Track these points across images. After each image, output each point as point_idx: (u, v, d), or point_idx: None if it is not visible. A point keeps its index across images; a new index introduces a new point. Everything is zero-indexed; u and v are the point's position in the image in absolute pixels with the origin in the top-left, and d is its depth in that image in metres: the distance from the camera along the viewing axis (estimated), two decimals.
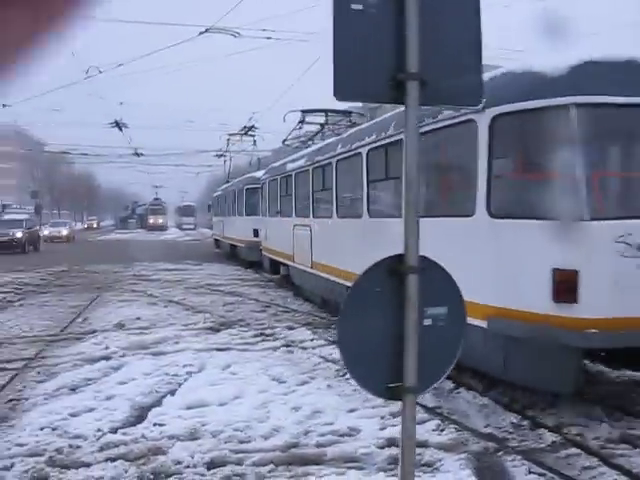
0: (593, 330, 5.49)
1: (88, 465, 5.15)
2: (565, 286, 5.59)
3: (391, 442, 5.68)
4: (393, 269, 3.08)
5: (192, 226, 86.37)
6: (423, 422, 6.20)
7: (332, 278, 11.49)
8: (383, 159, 9.29)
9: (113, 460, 5.21)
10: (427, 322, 3.15)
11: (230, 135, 32.72)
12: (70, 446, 5.56)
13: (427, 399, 6.99)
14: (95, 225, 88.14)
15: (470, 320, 5.27)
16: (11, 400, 7.06)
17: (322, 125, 17.59)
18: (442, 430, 6.00)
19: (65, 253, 30.95)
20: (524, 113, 6.02)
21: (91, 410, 6.56)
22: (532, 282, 5.85)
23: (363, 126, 11.46)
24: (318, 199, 12.98)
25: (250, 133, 30.99)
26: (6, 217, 37.25)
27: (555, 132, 5.88)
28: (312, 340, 9.90)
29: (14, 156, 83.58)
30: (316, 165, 13.02)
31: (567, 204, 5.66)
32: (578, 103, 5.62)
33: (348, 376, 7.85)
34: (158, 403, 6.82)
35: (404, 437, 3.22)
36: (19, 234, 32.58)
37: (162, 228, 79.96)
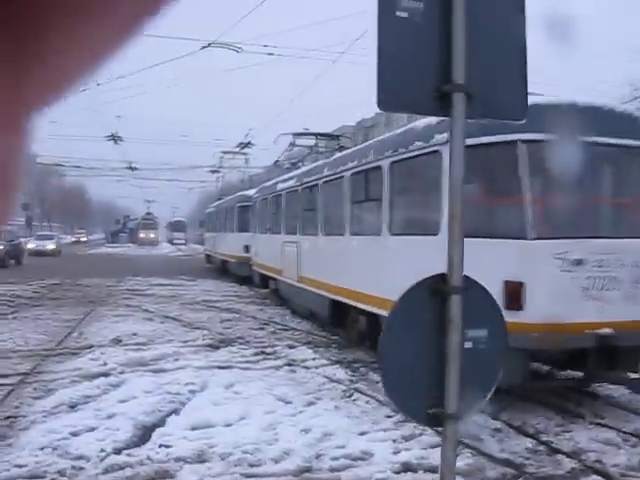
0: (536, 333, 6.40)
1: None
2: (513, 295, 6.48)
3: (407, 467, 5.51)
4: (435, 289, 2.94)
5: (183, 241, 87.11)
6: (437, 446, 6.01)
7: (317, 291, 12.33)
8: (363, 182, 10.31)
9: None
10: (468, 345, 3.00)
11: (224, 152, 33.67)
12: (73, 467, 5.36)
13: None
14: (83, 239, 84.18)
15: None
16: (8, 417, 6.82)
17: (311, 148, 18.86)
18: (457, 455, 5.80)
19: (51, 268, 28.93)
20: (481, 147, 6.82)
21: (92, 429, 6.34)
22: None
23: (347, 152, 12.50)
24: (305, 217, 13.84)
25: (243, 151, 31.95)
26: None
27: (505, 163, 7.02)
28: (314, 359, 9.72)
29: None
30: (304, 186, 13.99)
31: (515, 225, 6.77)
32: (524, 139, 6.64)
33: (355, 397, 7.72)
34: (162, 423, 6.60)
35: (444, 467, 3.05)
36: None
37: (153, 243, 79.42)
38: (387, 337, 2.94)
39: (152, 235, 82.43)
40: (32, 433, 6.25)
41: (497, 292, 5.92)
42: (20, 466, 5.39)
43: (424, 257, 7.22)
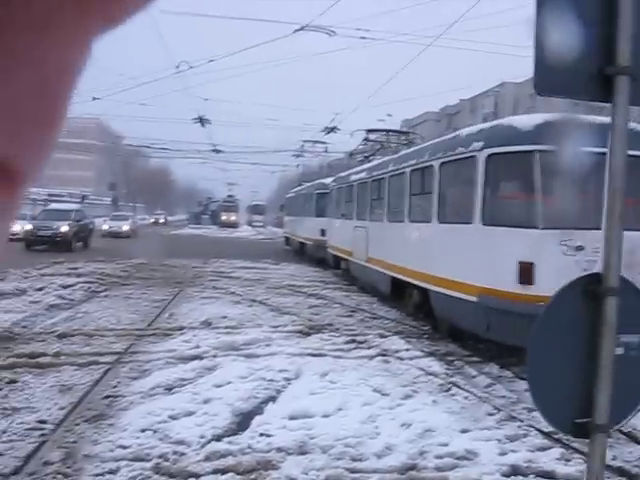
0: (543, 303, 6.92)
1: (197, 476, 4.88)
2: (526, 273, 8.27)
3: (515, 470, 5.26)
4: (589, 290, 2.70)
5: (261, 224, 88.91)
6: (544, 449, 5.76)
7: (381, 270, 14.46)
8: (420, 178, 12.21)
9: (223, 472, 4.93)
10: (619, 351, 2.75)
11: (304, 141, 37.13)
12: (174, 452, 5.32)
13: (542, 422, 6.51)
14: (162, 220, 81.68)
15: (466, 296, 8.90)
16: (107, 397, 6.90)
17: (381, 144, 22.14)
18: (567, 460, 5.53)
19: (122, 251, 26.15)
20: (507, 154, 8.91)
21: (191, 414, 6.33)
22: (506, 270, 8.46)
23: (408, 151, 14.83)
24: (373, 206, 16.10)
25: (322, 140, 34.79)
26: (52, 206, 31.70)
27: (524, 168, 8.66)
28: (407, 350, 9.48)
29: (94, 149, 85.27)
30: (373, 178, 16.27)
31: (529, 218, 8.54)
32: (539, 150, 8.42)
33: (453, 392, 7.49)
34: (259, 410, 6.54)
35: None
36: (64, 228, 27.46)
37: (234, 225, 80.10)
38: (535, 339, 2.73)
39: (233, 217, 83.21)
40: (131, 414, 6.29)
41: (513, 269, 8.37)
42: (124, 447, 5.40)
43: (462, 241, 9.71)
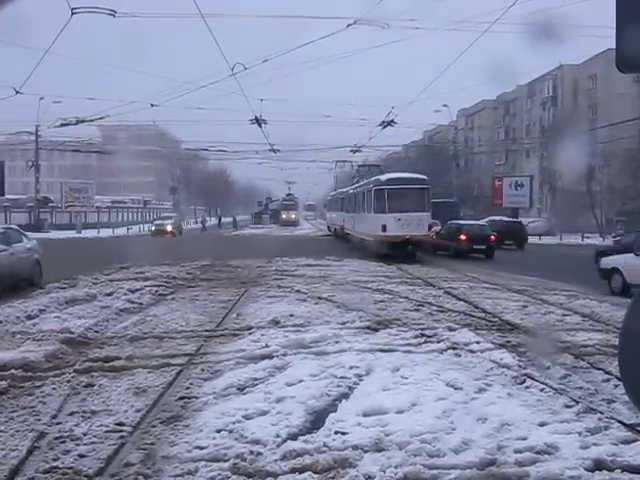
0: (390, 238, 27.07)
1: (274, 475, 4.87)
2: (384, 228, 27.19)
3: (599, 464, 5.09)
4: None
5: (313, 218, 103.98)
6: (628, 442, 5.58)
7: (357, 236, 33.31)
8: (363, 195, 31.69)
9: (300, 471, 4.91)
10: None
11: (337, 162, 53.05)
12: (251, 452, 5.33)
13: (623, 413, 6.34)
14: (170, 229, 52.97)
15: (371, 240, 29.78)
16: (182, 398, 6.97)
17: (362, 175, 39.04)
18: None
19: None
20: (379, 189, 28.45)
21: (264, 413, 6.35)
22: (379, 228, 27.44)
23: (363, 182, 34.22)
24: (355, 206, 34.03)
25: (354, 158, 51.15)
26: None
27: (383, 194, 27.89)
28: (478, 343, 9.33)
29: (154, 154, 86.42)
30: (355, 192, 34.61)
31: (384, 209, 27.71)
32: (388, 188, 28.04)
33: (527, 384, 7.34)
34: (332, 408, 6.52)
35: None
36: None
37: (295, 224, 79.91)
38: (631, 319, 2.59)
39: (293, 216, 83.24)
40: (206, 415, 6.34)
41: (381, 228, 27.28)
42: (201, 448, 5.44)
43: (370, 220, 29.47)
